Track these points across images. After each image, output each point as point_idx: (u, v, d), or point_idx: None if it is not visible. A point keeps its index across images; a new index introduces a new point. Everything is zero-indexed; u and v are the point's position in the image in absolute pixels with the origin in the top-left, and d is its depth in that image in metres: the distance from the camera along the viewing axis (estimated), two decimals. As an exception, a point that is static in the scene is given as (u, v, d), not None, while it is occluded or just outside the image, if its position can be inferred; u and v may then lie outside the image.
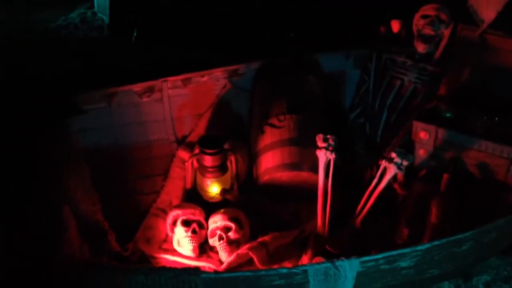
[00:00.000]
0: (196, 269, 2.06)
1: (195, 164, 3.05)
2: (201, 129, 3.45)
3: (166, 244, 2.87)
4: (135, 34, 5.68)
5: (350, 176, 3.25)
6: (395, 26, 3.55)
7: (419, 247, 2.17)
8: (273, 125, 3.24)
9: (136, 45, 5.53)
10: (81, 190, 2.73)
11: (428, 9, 3.31)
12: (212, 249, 2.85)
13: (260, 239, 2.74)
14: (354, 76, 3.76)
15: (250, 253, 2.63)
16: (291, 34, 4.19)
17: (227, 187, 3.07)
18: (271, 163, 3.11)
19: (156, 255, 2.79)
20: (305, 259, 2.73)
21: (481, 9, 2.93)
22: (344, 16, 4.29)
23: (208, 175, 2.98)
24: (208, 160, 2.93)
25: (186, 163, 3.04)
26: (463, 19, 3.12)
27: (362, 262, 2.14)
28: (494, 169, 2.68)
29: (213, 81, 3.55)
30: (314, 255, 2.73)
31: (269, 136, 3.21)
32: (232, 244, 2.75)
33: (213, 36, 4.80)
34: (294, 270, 2.11)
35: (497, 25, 2.94)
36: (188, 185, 3.09)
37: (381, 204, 2.88)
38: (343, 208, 3.01)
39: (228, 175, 3.05)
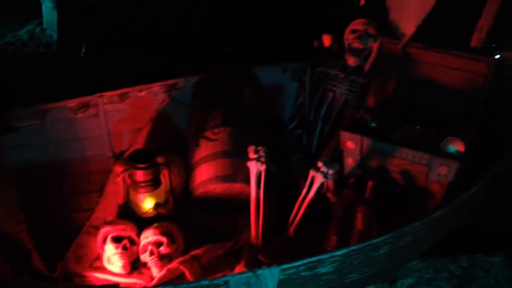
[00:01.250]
0: (115, 285, 2.05)
1: (128, 179, 3.06)
2: (139, 144, 3.46)
3: (98, 262, 2.85)
4: (83, 50, 5.66)
5: (286, 186, 3.32)
6: (327, 40, 3.68)
7: (337, 252, 2.23)
8: (207, 138, 3.29)
9: (82, 61, 5.50)
10: (4, 209, 2.70)
11: (357, 24, 3.45)
12: (145, 265, 2.84)
13: (192, 253, 2.75)
14: (292, 89, 3.87)
15: (181, 267, 2.64)
16: (229, 48, 4.28)
17: (161, 201, 3.08)
18: (205, 176, 3.15)
19: (86, 273, 2.75)
20: (238, 270, 2.76)
21: (401, 24, 3.07)
22: (281, 30, 4.42)
23: (141, 190, 2.99)
24: (140, 175, 2.94)
25: (118, 179, 3.04)
26: (387, 33, 3.26)
27: (282, 270, 2.18)
28: (415, 176, 2.80)
29: (152, 96, 3.57)
30: (248, 265, 2.77)
31: (203, 149, 3.25)
32: (164, 259, 2.75)
33: (157, 51, 4.85)
34: (215, 282, 2.13)
35: (417, 38, 3.09)
36: (121, 200, 3.08)
37: (314, 212, 2.96)
38: (279, 218, 3.07)
39: (161, 189, 3.07)
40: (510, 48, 3.09)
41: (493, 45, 3.19)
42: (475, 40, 2.74)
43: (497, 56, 3.03)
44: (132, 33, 5.16)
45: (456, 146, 2.69)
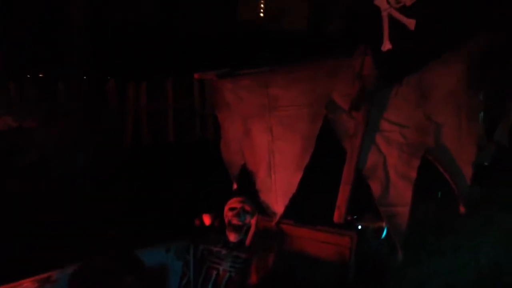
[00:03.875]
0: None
1: None
2: None
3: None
4: None
5: None
6: (206, 219, 3.86)
7: None
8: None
9: None
10: None
11: (234, 203, 3.72)
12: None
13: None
14: (178, 267, 3.87)
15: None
16: (111, 232, 4.26)
17: None
18: None
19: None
20: None
21: (271, 204, 3.40)
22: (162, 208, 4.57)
23: None
24: None
25: None
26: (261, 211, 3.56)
27: None
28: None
29: (25, 292, 3.32)
30: None
31: None
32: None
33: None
34: None
35: (288, 216, 3.40)
36: None
37: None
38: None
39: None
40: (370, 219, 3.51)
41: (355, 217, 3.62)
42: (337, 217, 3.09)
43: (359, 227, 3.43)
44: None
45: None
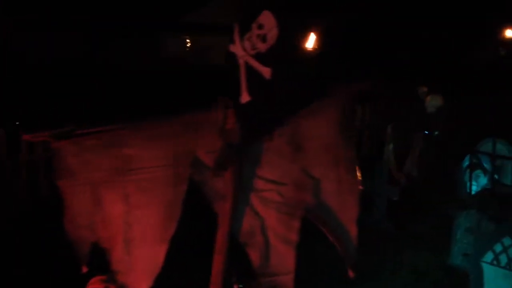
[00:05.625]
0: None
1: None
2: None
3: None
4: None
5: None
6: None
7: None
8: None
9: None
10: None
11: (95, 283, 3.08)
12: None
13: None
14: None
15: None
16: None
17: None
18: None
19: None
20: None
21: (133, 286, 2.82)
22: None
23: None
24: None
25: None
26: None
27: None
28: None
29: None
30: None
31: None
32: None
33: None
34: None
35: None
36: None
37: None
38: None
39: None
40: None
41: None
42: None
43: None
44: None
45: None
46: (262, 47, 2.27)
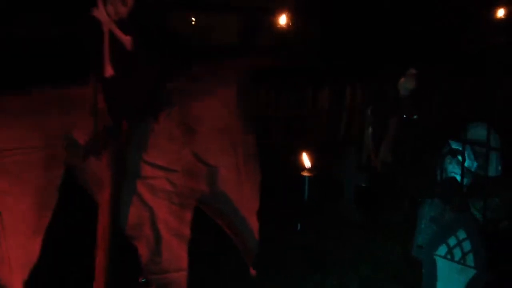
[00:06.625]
0: None
1: None
2: None
3: None
4: None
5: None
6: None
7: None
8: None
9: None
10: None
11: None
12: None
13: None
14: None
15: None
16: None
17: None
18: None
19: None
20: None
21: (5, 279, 2.51)
22: None
23: None
24: None
25: None
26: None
27: None
28: None
29: None
30: None
31: None
32: None
33: None
34: None
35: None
36: None
37: None
38: None
39: None
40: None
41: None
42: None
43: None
44: None
45: None
46: (123, 11, 1.94)
